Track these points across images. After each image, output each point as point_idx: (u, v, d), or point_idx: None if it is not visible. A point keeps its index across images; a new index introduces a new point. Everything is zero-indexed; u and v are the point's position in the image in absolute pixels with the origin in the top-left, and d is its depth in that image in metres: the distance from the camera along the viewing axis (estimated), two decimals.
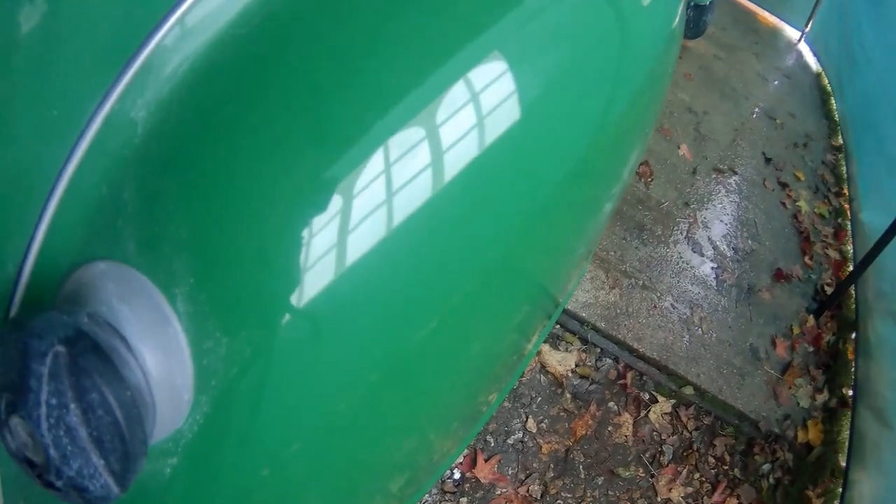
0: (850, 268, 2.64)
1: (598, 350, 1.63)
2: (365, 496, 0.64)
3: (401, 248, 0.43)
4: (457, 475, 1.31)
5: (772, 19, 5.66)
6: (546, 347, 1.55)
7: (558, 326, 1.60)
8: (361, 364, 0.45)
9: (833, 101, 4.38)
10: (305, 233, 0.36)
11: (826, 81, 4.67)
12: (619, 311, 1.71)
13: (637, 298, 1.79)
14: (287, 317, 0.36)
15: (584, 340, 1.62)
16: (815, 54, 4.88)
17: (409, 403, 0.57)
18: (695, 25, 4.08)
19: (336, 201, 0.39)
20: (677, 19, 0.97)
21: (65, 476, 0.29)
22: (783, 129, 3.62)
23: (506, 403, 1.46)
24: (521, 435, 1.43)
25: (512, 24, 0.55)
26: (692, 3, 3.68)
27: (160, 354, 0.34)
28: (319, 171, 0.37)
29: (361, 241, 0.39)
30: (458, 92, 0.47)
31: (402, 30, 0.47)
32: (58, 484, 0.29)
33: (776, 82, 4.28)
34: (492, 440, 1.40)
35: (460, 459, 1.33)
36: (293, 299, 0.36)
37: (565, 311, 1.60)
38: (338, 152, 0.39)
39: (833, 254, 2.79)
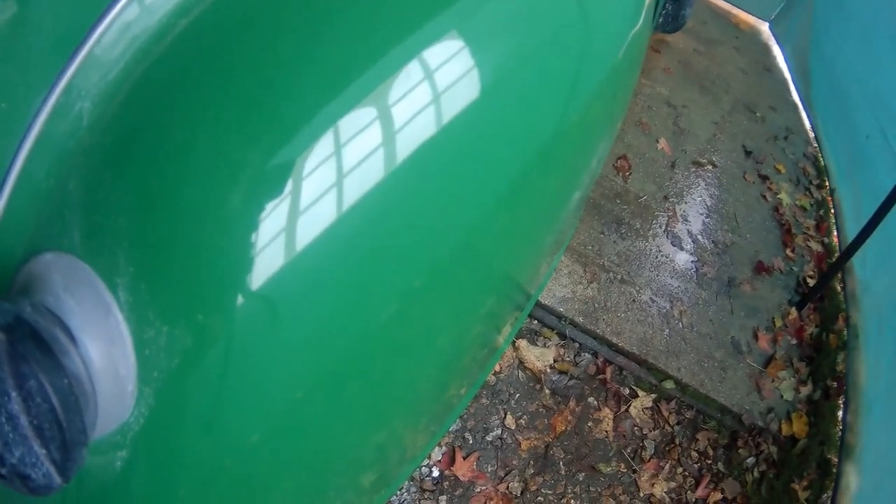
0: (833, 259, 2.69)
1: (577, 345, 1.65)
2: (335, 489, 0.66)
3: (353, 232, 0.45)
4: (435, 473, 1.33)
5: (747, 17, 5.78)
6: (524, 343, 1.57)
7: (536, 322, 1.63)
8: (315, 354, 0.47)
9: (792, 88, 4.44)
10: (245, 220, 0.38)
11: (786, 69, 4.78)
12: (597, 305, 1.74)
13: (616, 293, 1.82)
14: (228, 306, 0.37)
15: (562, 335, 1.65)
16: (779, 43, 4.98)
17: (373, 394, 0.58)
18: (673, 19, 4.13)
19: (281, 186, 0.40)
20: (643, 11, 0.99)
21: (7, 463, 0.30)
22: (764, 123, 3.68)
23: (483, 400, 1.47)
24: (499, 432, 1.45)
25: (469, 8, 0.56)
26: None
27: (102, 344, 0.35)
28: (259, 157, 0.38)
29: (307, 228, 0.40)
30: (414, 74, 0.49)
31: (355, 13, 0.49)
32: (1, 472, 0.30)
33: (757, 76, 4.36)
34: (470, 437, 1.42)
35: (438, 457, 1.35)
36: (233, 289, 0.37)
37: (543, 307, 1.63)
38: (285, 136, 0.41)
39: (815, 246, 2.85)
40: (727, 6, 5.77)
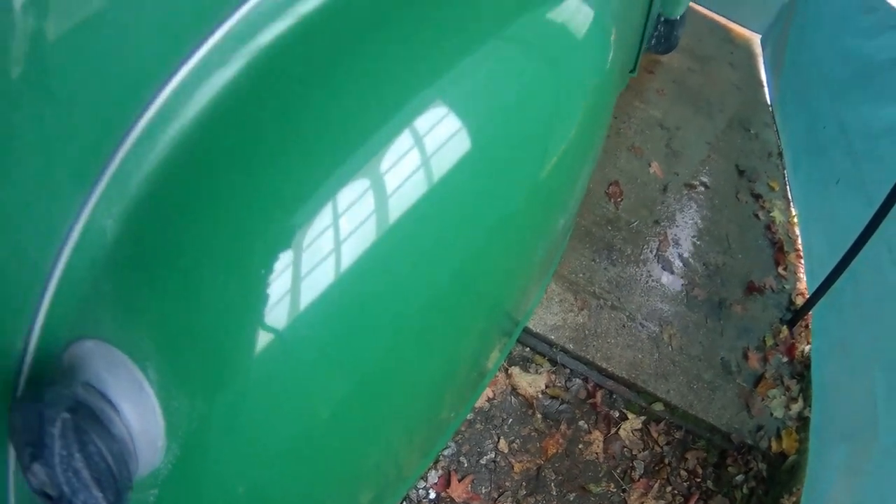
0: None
1: (568, 371, 1.75)
2: None
3: (353, 292, 0.56)
4: (432, 495, 1.43)
5: (744, 31, 5.89)
6: (516, 370, 1.68)
7: (528, 349, 1.73)
8: (318, 395, 0.58)
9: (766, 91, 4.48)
10: (246, 319, 0.49)
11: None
12: (587, 332, 1.84)
13: (606, 319, 1.92)
14: (232, 383, 0.49)
15: (553, 362, 1.75)
16: (763, 55, 5.08)
17: (374, 420, 0.69)
18: (666, 40, 4.24)
19: (281, 280, 0.51)
20: (609, 57, 1.10)
21: None
22: (758, 140, 3.78)
23: (478, 425, 1.58)
24: (493, 455, 1.54)
25: (461, 73, 0.68)
26: (662, 19, 3.81)
27: (138, 413, 0.46)
28: (257, 262, 0.50)
29: (309, 300, 0.52)
30: (411, 130, 0.61)
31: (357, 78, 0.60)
32: None
33: (752, 91, 4.44)
34: (465, 461, 1.52)
35: (435, 480, 1.45)
36: (235, 371, 0.49)
37: (534, 335, 1.73)
38: (283, 239, 0.52)
39: (808, 264, 2.91)
40: (723, 20, 5.88)
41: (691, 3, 5.74)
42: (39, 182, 0.47)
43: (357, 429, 0.67)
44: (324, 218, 0.54)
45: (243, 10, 0.56)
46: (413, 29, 0.66)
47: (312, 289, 0.53)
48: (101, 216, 0.50)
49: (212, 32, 0.53)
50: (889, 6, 2.75)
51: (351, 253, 0.55)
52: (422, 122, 0.63)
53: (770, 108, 4.26)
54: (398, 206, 0.60)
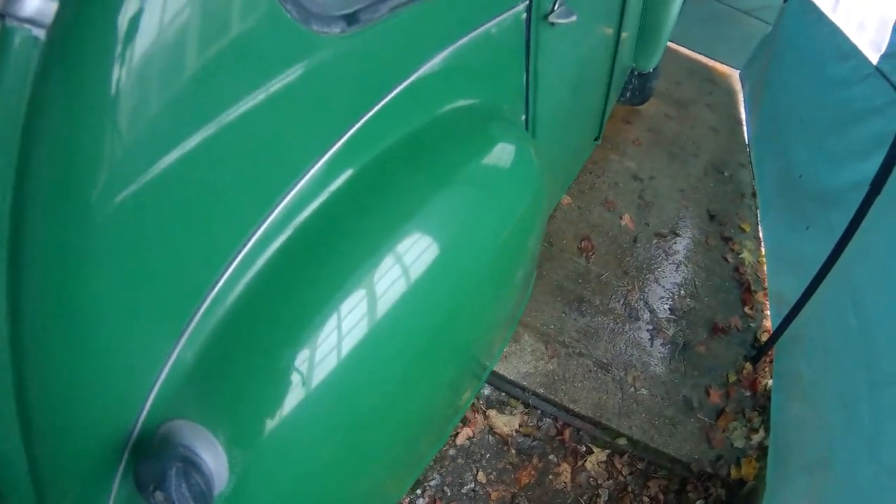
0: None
1: (539, 412, 2.07)
2: None
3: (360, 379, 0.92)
4: None
5: (725, 69, 6.06)
6: (493, 412, 2.00)
7: (503, 394, 2.05)
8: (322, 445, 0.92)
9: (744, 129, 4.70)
10: (276, 400, 0.84)
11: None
12: (556, 377, 2.16)
13: (574, 365, 2.24)
14: (267, 450, 0.83)
15: (526, 404, 2.07)
16: (743, 90, 5.24)
17: (365, 455, 1.03)
18: (640, 92, 4.68)
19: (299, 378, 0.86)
20: (536, 179, 1.44)
21: None
22: (731, 182, 4.03)
23: (459, 460, 1.89)
24: (473, 485, 1.86)
25: (426, 216, 1.06)
26: (636, 73, 4.22)
27: (214, 461, 0.80)
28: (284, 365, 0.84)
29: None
30: (395, 253, 0.99)
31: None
32: None
33: (728, 132, 4.64)
34: (448, 490, 1.83)
35: None
36: (266, 440, 0.83)
37: (509, 381, 2.05)
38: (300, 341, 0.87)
39: (773, 302, 3.17)
40: (704, 59, 6.09)
41: (672, 45, 5.96)
42: (150, 323, 0.81)
43: (354, 465, 1.01)
44: (333, 321, 0.89)
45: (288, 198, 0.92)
46: (394, 197, 1.04)
47: (329, 368, 0.88)
48: (188, 349, 0.85)
49: (271, 213, 0.89)
50: (862, 55, 2.75)
51: (356, 336, 0.91)
52: (401, 247, 1.00)
53: (747, 146, 4.40)
54: (393, 297, 0.96)
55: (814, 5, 3.62)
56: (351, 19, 0.94)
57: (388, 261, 1.00)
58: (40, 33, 0.64)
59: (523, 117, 1.72)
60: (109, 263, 0.72)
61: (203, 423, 0.80)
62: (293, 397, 0.86)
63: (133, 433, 0.84)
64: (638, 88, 4.09)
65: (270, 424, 0.84)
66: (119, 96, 0.67)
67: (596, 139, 2.79)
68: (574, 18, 1.70)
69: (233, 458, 0.81)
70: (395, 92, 1.09)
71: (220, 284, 0.84)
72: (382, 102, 1.08)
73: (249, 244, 0.87)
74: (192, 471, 0.76)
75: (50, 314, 0.72)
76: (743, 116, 4.94)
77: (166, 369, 0.82)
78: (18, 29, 0.63)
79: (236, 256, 0.86)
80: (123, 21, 0.65)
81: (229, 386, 0.84)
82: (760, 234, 3.57)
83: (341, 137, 0.99)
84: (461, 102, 1.36)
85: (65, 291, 0.71)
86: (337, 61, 0.92)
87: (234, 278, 0.85)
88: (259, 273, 0.87)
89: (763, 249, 3.46)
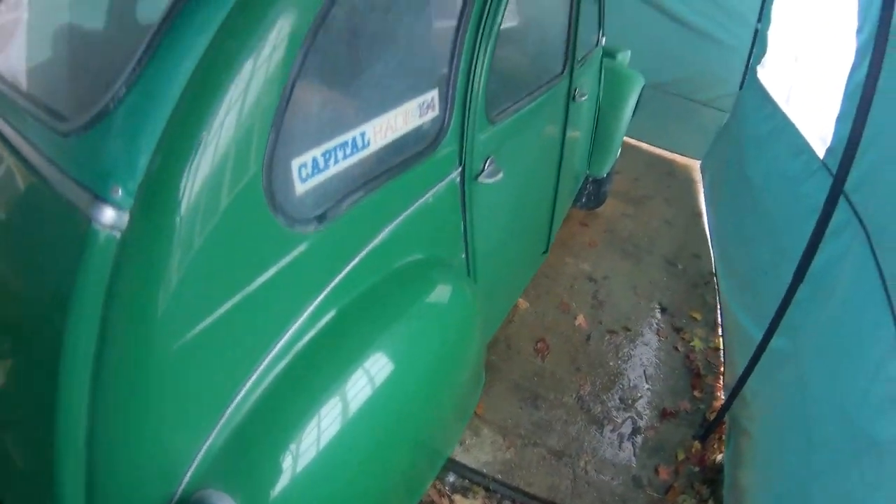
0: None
1: (499, 495, 2.48)
2: None
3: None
4: None
5: (685, 160, 6.36)
6: (458, 496, 2.41)
7: (466, 480, 2.47)
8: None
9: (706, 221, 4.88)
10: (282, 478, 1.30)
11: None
12: (513, 465, 2.59)
13: (529, 453, 2.67)
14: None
15: (486, 489, 2.48)
16: (703, 181, 5.44)
17: None
18: (595, 197, 5.42)
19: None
20: (470, 306, 1.95)
21: None
22: (685, 274, 4.44)
23: None
24: None
25: (381, 346, 1.55)
26: (591, 178, 4.91)
27: None
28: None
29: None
30: (364, 370, 1.48)
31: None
32: None
33: (683, 226, 5.05)
34: None
35: None
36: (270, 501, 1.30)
37: (471, 469, 2.48)
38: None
39: (727, 380, 3.30)
40: (664, 152, 6.35)
41: (631, 140, 6.42)
42: (191, 422, 1.29)
43: None
44: (315, 421, 1.37)
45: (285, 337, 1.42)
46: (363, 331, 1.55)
47: (314, 451, 1.35)
48: (217, 439, 1.32)
49: (273, 348, 1.39)
50: (811, 150, 2.74)
51: (332, 431, 1.39)
52: (365, 367, 1.51)
53: (709, 238, 4.65)
54: (359, 403, 1.46)
55: (768, 97, 3.67)
56: (321, 218, 1.47)
57: (356, 377, 1.51)
58: (117, 234, 1.04)
59: (463, 256, 2.25)
60: (166, 383, 1.16)
61: (225, 490, 1.27)
62: (289, 473, 1.34)
63: (175, 497, 1.30)
64: (593, 193, 4.65)
65: (273, 491, 1.30)
66: (170, 281, 1.06)
67: (544, 252, 3.31)
68: (500, 177, 2.26)
69: None
70: (355, 261, 1.62)
71: (240, 396, 1.33)
72: (346, 270, 1.60)
73: (259, 369, 1.37)
74: None
75: (123, 415, 1.14)
76: (702, 208, 5.32)
77: (201, 453, 1.29)
78: (101, 231, 1.03)
79: (249, 378, 1.36)
80: (173, 233, 1.04)
81: (244, 466, 1.31)
82: (718, 319, 3.91)
83: (318, 297, 1.51)
84: (409, 258, 1.90)
85: (134, 400, 1.12)
86: (312, 249, 1.45)
87: (249, 392, 1.35)
88: (266, 389, 1.37)
89: (719, 332, 3.78)
